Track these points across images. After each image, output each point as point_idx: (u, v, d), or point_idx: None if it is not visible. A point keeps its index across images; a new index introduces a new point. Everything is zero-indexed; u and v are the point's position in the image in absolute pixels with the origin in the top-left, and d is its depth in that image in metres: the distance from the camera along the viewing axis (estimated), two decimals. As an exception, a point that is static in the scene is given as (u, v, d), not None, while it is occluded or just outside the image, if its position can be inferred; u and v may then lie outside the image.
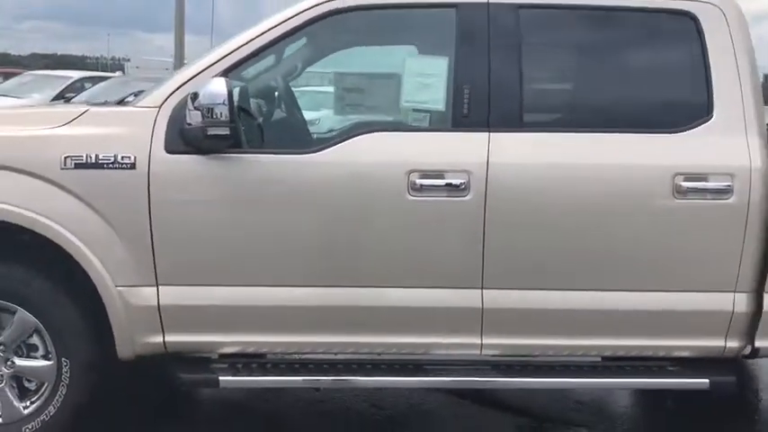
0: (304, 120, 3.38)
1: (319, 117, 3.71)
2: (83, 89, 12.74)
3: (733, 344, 2.95)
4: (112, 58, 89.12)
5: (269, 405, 3.60)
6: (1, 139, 2.81)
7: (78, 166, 2.71)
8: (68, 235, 2.72)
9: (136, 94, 3.24)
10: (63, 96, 12.43)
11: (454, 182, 2.75)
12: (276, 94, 3.22)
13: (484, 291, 2.84)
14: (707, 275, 2.89)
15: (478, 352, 2.92)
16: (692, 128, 2.86)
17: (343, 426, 3.44)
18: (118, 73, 17.17)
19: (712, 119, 2.87)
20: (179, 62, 19.92)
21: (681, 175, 2.81)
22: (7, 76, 14.64)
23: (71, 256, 2.74)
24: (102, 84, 12.55)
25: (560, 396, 3.80)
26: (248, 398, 3.62)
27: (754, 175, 2.82)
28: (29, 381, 2.90)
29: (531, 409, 3.62)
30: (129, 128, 2.77)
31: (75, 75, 14.13)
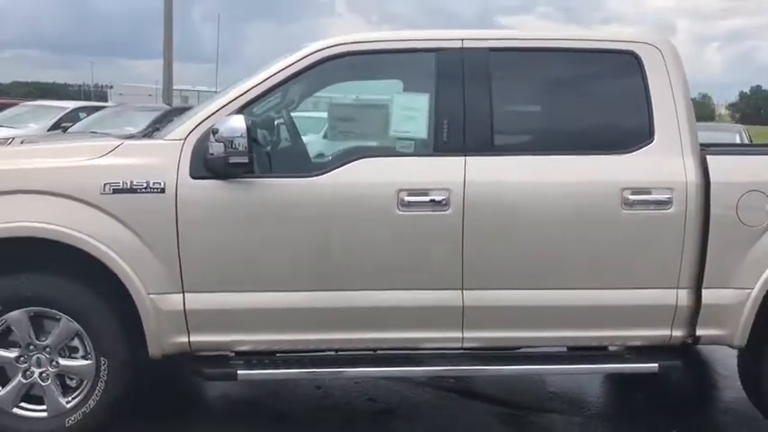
0: (305, 147, 3.85)
1: (320, 143, 4.18)
2: (78, 119, 13.09)
3: (678, 333, 3.45)
4: (95, 86, 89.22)
5: (275, 400, 4.04)
6: (49, 169, 3.27)
7: (116, 191, 3.17)
8: (107, 250, 3.16)
9: (158, 128, 3.74)
10: (59, 126, 12.78)
11: (437, 198, 3.24)
12: (282, 125, 3.70)
13: (464, 291, 3.32)
14: (653, 274, 3.39)
15: (460, 344, 3.39)
16: (637, 150, 3.38)
17: (343, 417, 3.87)
18: (110, 103, 17.53)
19: (653, 142, 3.39)
20: (168, 87, 20.36)
21: (628, 189, 3.32)
22: (2, 108, 14.97)
23: (109, 269, 3.18)
24: (97, 113, 12.91)
25: (536, 387, 4.28)
26: (258, 394, 4.07)
27: (689, 188, 3.33)
28: (70, 378, 3.32)
29: (510, 399, 4.10)
30: (159, 158, 3.24)
31: (71, 105, 14.51)
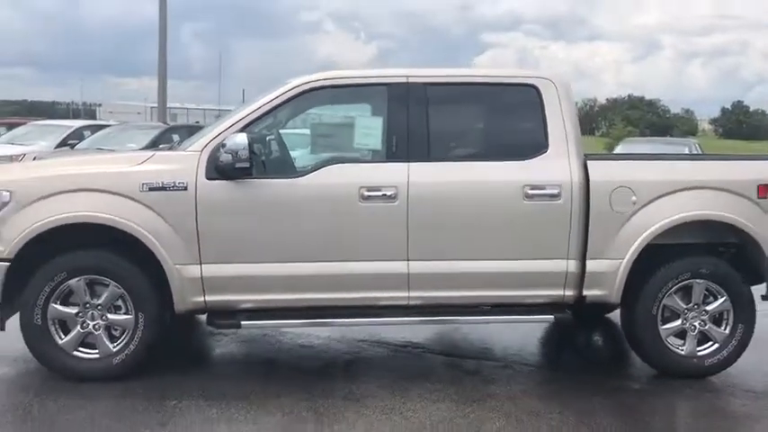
0: (291, 156, 5.01)
1: (301, 153, 5.36)
2: (83, 137, 14.18)
3: (569, 293, 4.63)
4: (84, 104, 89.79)
5: (266, 350, 5.18)
6: (102, 173, 4.43)
7: (151, 189, 4.33)
8: (144, 232, 4.31)
9: (180, 142, 4.90)
10: (66, 143, 13.85)
11: (388, 193, 4.42)
12: (273, 140, 4.86)
13: (409, 262, 4.48)
14: (549, 249, 4.57)
15: (407, 302, 4.55)
16: (535, 157, 4.58)
17: (321, 362, 5.00)
18: (112, 122, 18.62)
19: (547, 151, 4.59)
20: (162, 107, 21.45)
21: (527, 186, 4.51)
22: (11, 126, 16.02)
23: (145, 246, 4.33)
24: (102, 131, 14.01)
25: (469, 340, 5.46)
26: (252, 348, 5.22)
27: (573, 185, 4.53)
28: (115, 329, 4.45)
29: (451, 351, 5.27)
30: (183, 164, 4.40)
31: (76, 124, 15.62)
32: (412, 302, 4.57)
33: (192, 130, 14.38)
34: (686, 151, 14.32)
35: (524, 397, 4.38)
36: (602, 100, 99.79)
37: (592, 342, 6.07)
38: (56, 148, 13.63)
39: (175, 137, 13.45)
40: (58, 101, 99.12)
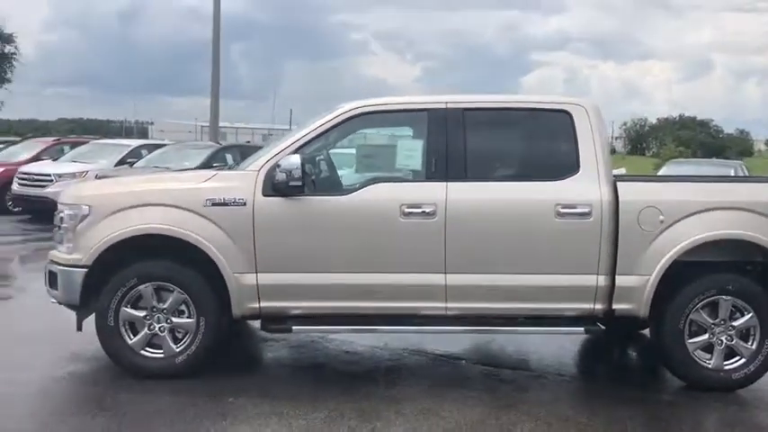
0: (338, 175, 5.42)
1: (348, 172, 5.76)
2: (140, 155, 14.93)
3: (599, 306, 4.89)
4: (136, 122, 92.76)
5: (313, 356, 5.56)
6: (170, 189, 4.92)
7: (214, 204, 4.78)
8: (207, 243, 4.75)
9: (238, 163, 5.35)
10: (125, 162, 14.60)
11: (427, 210, 4.78)
12: (322, 160, 5.28)
13: (447, 275, 4.82)
14: (581, 264, 4.85)
15: (444, 312, 4.88)
16: (567, 178, 4.88)
17: (365, 368, 5.34)
18: (167, 140, 19.48)
19: (579, 173, 4.88)
20: (214, 127, 22.26)
21: (560, 204, 4.81)
22: (74, 145, 16.95)
23: (207, 256, 4.77)
24: (159, 150, 14.74)
25: (506, 351, 5.74)
26: (300, 353, 5.61)
27: (603, 204, 4.81)
28: (179, 332, 4.89)
29: (488, 360, 5.56)
30: (242, 182, 4.84)
31: (134, 143, 16.43)
32: (449, 312, 4.89)
33: (242, 150, 15.08)
34: (731, 173, 14.28)
35: (555, 404, 4.65)
36: (652, 120, 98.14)
37: (624, 356, 6.29)
38: (115, 166, 14.35)
39: (228, 156, 14.13)
40: (112, 119, 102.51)
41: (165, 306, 4.85)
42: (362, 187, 4.90)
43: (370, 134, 5.63)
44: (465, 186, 4.85)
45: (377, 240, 4.82)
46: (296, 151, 4.84)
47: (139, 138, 40.25)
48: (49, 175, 13.96)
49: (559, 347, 5.93)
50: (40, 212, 14.24)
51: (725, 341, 4.90)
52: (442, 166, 4.87)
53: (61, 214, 5.01)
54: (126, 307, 4.82)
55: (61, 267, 4.90)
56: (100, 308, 4.83)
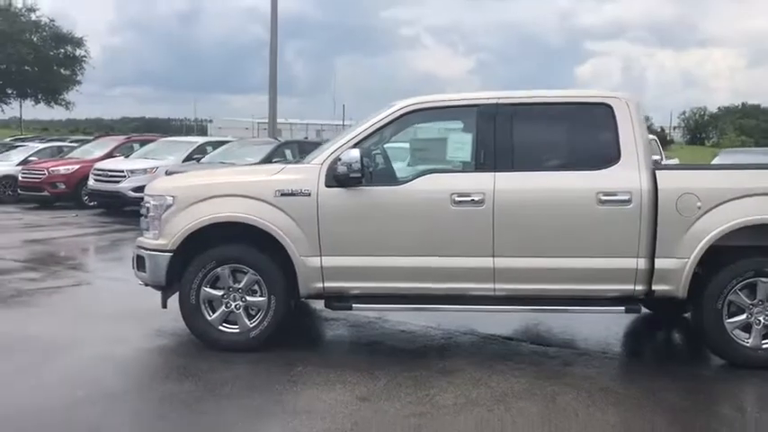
0: (393, 167, 5.87)
1: (402, 164, 6.20)
2: (205, 152, 15.73)
3: (639, 288, 5.21)
4: (196, 120, 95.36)
5: (371, 334, 6.05)
6: (244, 182, 5.48)
7: (283, 195, 5.30)
8: (277, 230, 5.28)
9: (296, 158, 5.86)
10: (191, 158, 15.42)
11: (476, 198, 5.19)
12: (379, 153, 5.74)
13: (495, 258, 5.22)
14: (621, 248, 5.17)
15: (493, 293, 5.28)
16: (609, 167, 5.21)
17: (418, 345, 5.79)
18: (230, 137, 20.34)
19: (620, 162, 5.20)
20: (272, 124, 23.02)
21: (601, 192, 5.14)
22: (143, 143, 17.94)
23: (277, 241, 5.30)
24: (223, 147, 15.49)
25: (552, 330, 6.10)
26: (358, 332, 6.10)
27: (643, 192, 5.12)
28: (252, 309, 5.44)
29: (536, 339, 5.94)
30: (307, 175, 5.35)
31: (200, 140, 17.29)
32: (497, 293, 5.29)
33: (301, 146, 15.73)
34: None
35: (597, 377, 5.01)
36: (712, 108, 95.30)
37: (668, 337, 6.56)
38: (183, 161, 15.17)
39: (287, 151, 14.78)
40: (173, 117, 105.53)
41: (240, 286, 5.40)
42: (416, 178, 5.34)
43: (422, 128, 6.04)
44: (511, 176, 5.23)
45: (429, 226, 5.26)
46: (355, 146, 5.31)
47: (199, 135, 41.71)
48: (123, 171, 14.91)
49: (605, 329, 6.25)
50: (114, 206, 15.26)
51: (762, 321, 5.16)
52: (490, 157, 5.27)
53: (147, 204, 5.62)
54: (206, 287, 5.39)
55: (148, 252, 5.51)
56: (183, 288, 5.42)
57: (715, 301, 5.14)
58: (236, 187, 5.46)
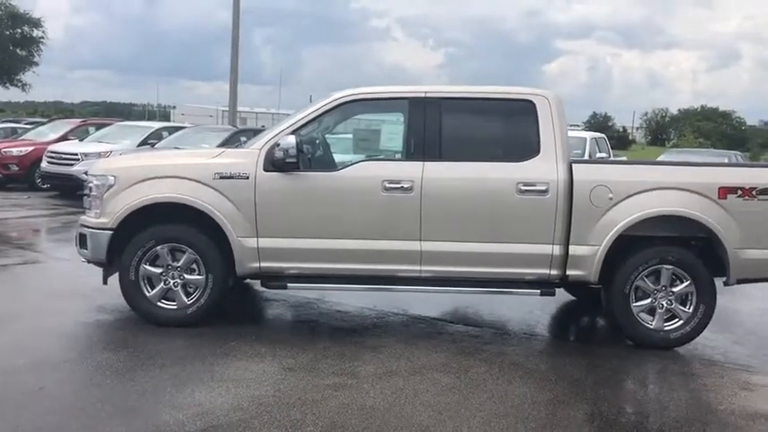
0: (331, 154, 6.16)
1: (342, 154, 6.51)
2: (161, 137, 15.78)
3: (554, 272, 5.60)
4: (158, 105, 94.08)
5: (307, 314, 6.34)
6: (185, 164, 5.70)
7: (222, 177, 5.54)
8: (215, 211, 5.52)
9: (243, 143, 6.11)
10: (146, 142, 15.45)
11: (405, 185, 5.51)
12: (317, 141, 6.02)
13: (422, 242, 5.55)
14: (538, 235, 5.55)
15: (419, 274, 5.62)
16: (528, 159, 5.58)
17: (353, 323, 6.11)
18: (187, 124, 20.33)
19: (539, 155, 5.58)
20: (233, 111, 23.06)
21: (521, 183, 5.51)
22: (99, 126, 17.86)
23: (216, 222, 5.54)
24: (179, 132, 15.56)
25: (477, 312, 6.48)
26: (295, 312, 6.39)
27: (559, 183, 5.51)
28: (190, 287, 5.68)
29: (459, 320, 6.30)
30: (246, 159, 5.60)
31: (156, 125, 17.30)
32: (423, 275, 5.63)
33: (257, 133, 15.85)
34: (726, 161, 14.87)
35: (511, 354, 5.39)
36: (674, 110, 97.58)
37: (585, 319, 6.99)
38: (138, 146, 15.19)
39: (243, 138, 14.90)
40: (135, 102, 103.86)
41: (178, 264, 5.64)
42: (350, 165, 5.64)
43: (362, 119, 6.35)
44: (439, 166, 5.57)
45: (361, 211, 5.56)
46: (292, 132, 5.59)
47: (162, 121, 41.36)
48: (76, 155, 14.87)
49: (528, 312, 6.66)
50: (67, 189, 15.22)
51: (665, 305, 5.60)
52: (419, 147, 5.59)
53: (90, 184, 5.81)
54: (145, 264, 5.62)
55: (90, 230, 5.71)
56: (123, 265, 5.63)
57: (623, 286, 5.57)
58: (176, 169, 5.68)
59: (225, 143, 14.12)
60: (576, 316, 7.07)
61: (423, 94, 5.70)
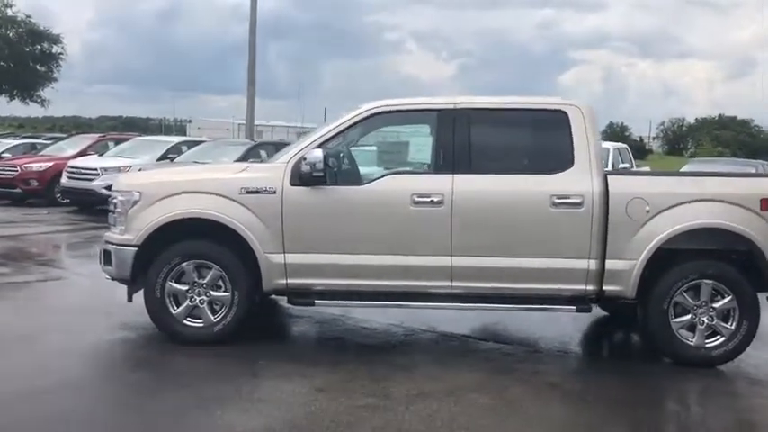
0: (358, 167, 6.03)
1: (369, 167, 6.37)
2: (180, 151, 15.78)
3: (590, 287, 5.42)
4: (175, 120, 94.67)
5: (333, 331, 6.20)
6: (210, 179, 5.61)
7: (248, 192, 5.44)
8: (241, 226, 5.41)
9: (250, 159, 6.00)
10: (166, 157, 15.45)
11: (435, 199, 5.37)
12: (343, 154, 5.90)
13: (452, 257, 5.41)
14: (573, 249, 5.38)
15: (450, 290, 5.46)
16: (562, 171, 5.42)
17: (382, 341, 5.95)
18: (205, 138, 20.36)
19: (573, 167, 5.42)
20: (250, 125, 23.07)
21: (554, 195, 5.35)
22: (118, 141, 17.92)
23: (242, 238, 5.43)
24: (198, 147, 15.55)
25: (508, 329, 6.30)
26: (320, 328, 6.25)
27: (594, 196, 5.34)
28: (216, 304, 5.56)
29: (491, 337, 6.13)
30: (273, 173, 5.49)
31: (175, 140, 17.32)
32: (454, 291, 5.48)
33: (277, 147, 15.80)
34: (752, 171, 14.59)
35: (545, 373, 5.21)
36: (690, 119, 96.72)
37: (620, 336, 6.79)
38: (157, 160, 15.21)
39: (262, 152, 14.88)
40: (151, 117, 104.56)
41: (204, 281, 5.52)
42: (378, 178, 5.51)
43: (388, 132, 6.23)
44: (470, 179, 5.42)
45: (390, 225, 5.42)
46: (319, 146, 5.47)
47: (178, 135, 41.59)
48: (96, 170, 14.89)
49: (561, 329, 6.46)
50: (87, 204, 15.24)
51: (706, 321, 5.39)
52: (449, 159, 5.46)
53: (115, 200, 5.72)
54: (171, 281, 5.51)
55: (115, 246, 5.61)
56: (148, 282, 5.53)
57: (662, 302, 5.37)
58: (201, 184, 5.59)
59: (244, 157, 14.09)
60: (608, 332, 6.87)
61: (452, 106, 5.57)
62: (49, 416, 4.13)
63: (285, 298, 5.73)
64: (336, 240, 5.44)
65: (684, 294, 5.40)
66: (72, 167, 15.40)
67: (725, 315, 5.41)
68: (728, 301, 5.38)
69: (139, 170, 14.01)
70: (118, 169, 14.82)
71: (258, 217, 5.42)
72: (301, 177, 5.39)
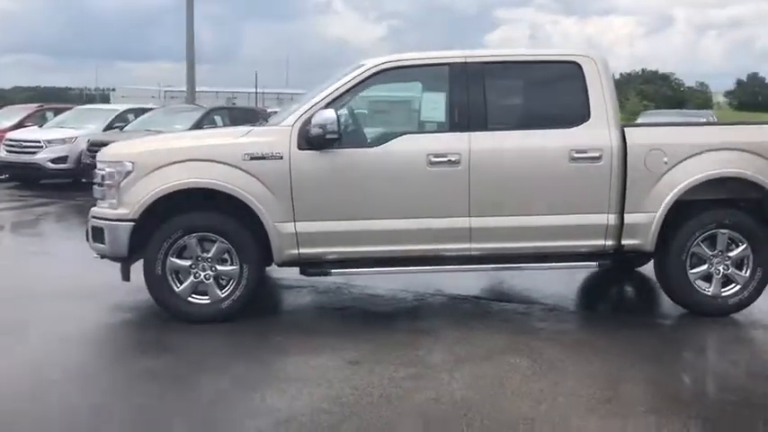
0: (363, 129, 5.72)
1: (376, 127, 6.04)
2: (127, 120, 14.95)
3: (609, 243, 5.34)
4: (97, 89, 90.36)
5: (340, 300, 5.96)
6: (209, 145, 5.20)
7: (252, 158, 5.07)
8: (248, 195, 5.05)
9: (266, 120, 5.62)
10: (113, 126, 14.62)
11: (452, 159, 5.14)
12: (350, 114, 5.57)
13: (471, 218, 5.21)
14: (592, 204, 5.27)
15: (469, 252, 5.29)
16: (579, 125, 5.27)
17: (390, 307, 5.75)
18: (151, 104, 19.38)
19: (589, 120, 5.28)
20: (191, 90, 22.12)
21: (573, 150, 5.21)
22: (57, 111, 16.83)
23: (249, 207, 5.08)
24: (147, 114, 14.74)
25: (517, 289, 6.21)
26: (327, 298, 6.00)
27: (613, 149, 5.22)
28: (223, 279, 5.22)
29: (504, 298, 6.02)
30: (278, 137, 5.13)
31: (120, 107, 16.35)
32: (473, 253, 5.30)
33: (231, 113, 15.23)
34: (703, 121, 14.98)
35: (572, 332, 5.17)
36: (615, 75, 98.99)
37: (624, 289, 6.80)
38: (104, 130, 14.36)
39: (217, 118, 14.26)
40: (71, 86, 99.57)
41: (209, 255, 5.16)
42: (392, 139, 5.23)
43: (395, 90, 5.92)
44: (486, 136, 5.21)
45: (406, 188, 5.17)
46: (327, 106, 5.13)
47: (102, 104, 39.66)
48: (39, 142, 13.96)
49: (564, 286, 6.40)
50: (30, 179, 14.33)
51: (722, 270, 5.41)
52: (464, 117, 5.22)
53: (102, 172, 5.25)
54: (172, 257, 5.12)
55: (107, 222, 5.16)
56: (147, 259, 5.12)
57: (680, 253, 5.35)
58: (201, 151, 5.18)
59: (199, 123, 13.49)
60: (609, 286, 6.85)
61: (463, 59, 5.31)
62: (77, 409, 3.76)
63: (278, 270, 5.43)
64: (350, 206, 5.16)
65: (701, 245, 5.39)
66: (11, 140, 14.38)
67: (739, 263, 5.44)
68: (743, 250, 5.40)
69: (88, 141, 13.23)
70: (63, 141, 13.99)
71: (265, 185, 5.07)
72: (311, 140, 5.05)
